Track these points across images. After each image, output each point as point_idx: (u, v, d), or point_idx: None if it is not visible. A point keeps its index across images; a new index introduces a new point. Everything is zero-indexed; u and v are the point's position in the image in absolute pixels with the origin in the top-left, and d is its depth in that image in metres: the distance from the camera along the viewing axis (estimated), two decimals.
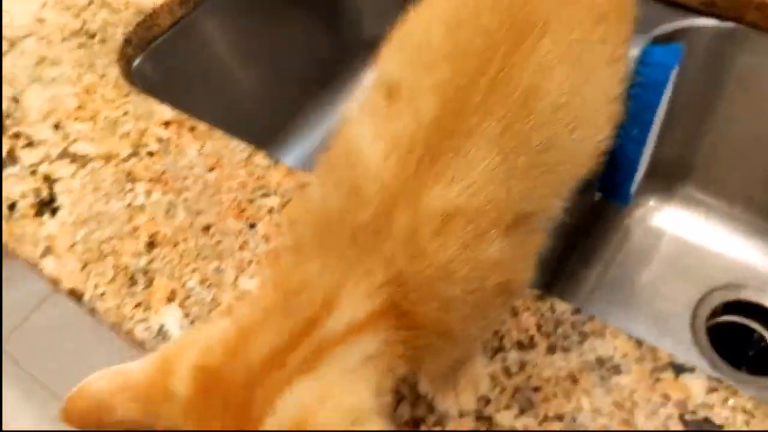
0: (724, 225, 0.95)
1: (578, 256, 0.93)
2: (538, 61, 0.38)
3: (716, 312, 0.90)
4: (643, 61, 0.66)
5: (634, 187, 0.77)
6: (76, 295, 0.54)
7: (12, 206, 0.59)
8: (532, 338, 0.52)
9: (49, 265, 0.56)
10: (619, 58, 0.45)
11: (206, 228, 0.58)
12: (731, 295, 0.91)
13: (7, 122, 0.67)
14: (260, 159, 0.63)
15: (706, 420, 0.48)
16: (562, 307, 0.53)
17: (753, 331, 0.88)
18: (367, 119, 0.40)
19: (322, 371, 0.34)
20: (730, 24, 0.76)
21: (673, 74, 0.68)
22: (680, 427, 0.48)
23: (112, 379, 0.38)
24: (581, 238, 0.93)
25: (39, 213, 0.59)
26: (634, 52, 0.66)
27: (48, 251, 0.56)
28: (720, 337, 0.87)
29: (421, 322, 0.37)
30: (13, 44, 0.76)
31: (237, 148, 0.64)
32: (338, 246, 0.37)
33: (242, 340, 0.36)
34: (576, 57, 0.41)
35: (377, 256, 0.36)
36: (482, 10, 0.39)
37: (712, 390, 0.49)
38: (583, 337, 0.52)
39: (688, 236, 0.95)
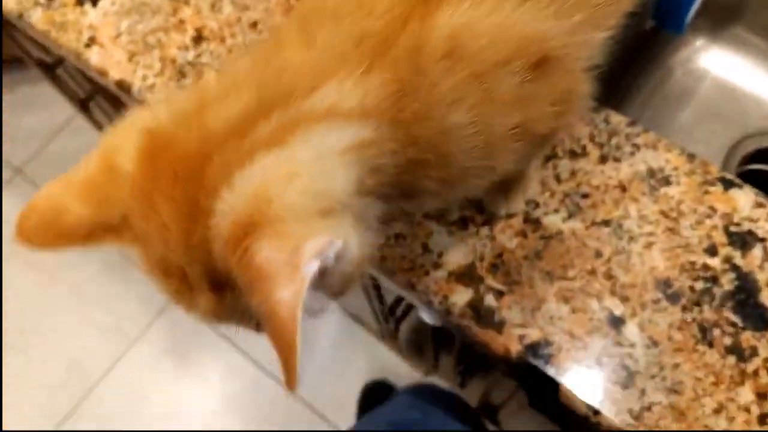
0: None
1: (614, 93, 0.92)
2: None
3: (748, 158, 0.90)
4: None
5: (690, 14, 0.74)
6: (124, 87, 0.54)
7: None
8: (584, 147, 0.52)
9: (94, 55, 0.54)
10: None
11: (254, 24, 0.56)
12: (766, 142, 0.90)
13: None
14: None
15: (750, 233, 0.49)
16: (617, 118, 0.52)
17: None
18: None
19: (293, 147, 0.29)
20: None
21: None
22: (724, 239, 0.49)
23: (58, 184, 0.34)
24: (620, 73, 0.91)
25: (79, 2, 0.56)
26: None
27: (92, 41, 0.55)
28: (750, 184, 0.88)
29: (418, 137, 0.33)
30: None
31: None
32: (341, 45, 0.32)
33: (201, 107, 0.31)
34: None
35: (379, 61, 0.32)
36: None
37: (758, 205, 0.50)
38: (636, 148, 0.51)
39: (730, 79, 0.92)
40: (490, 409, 1.05)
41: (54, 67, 0.86)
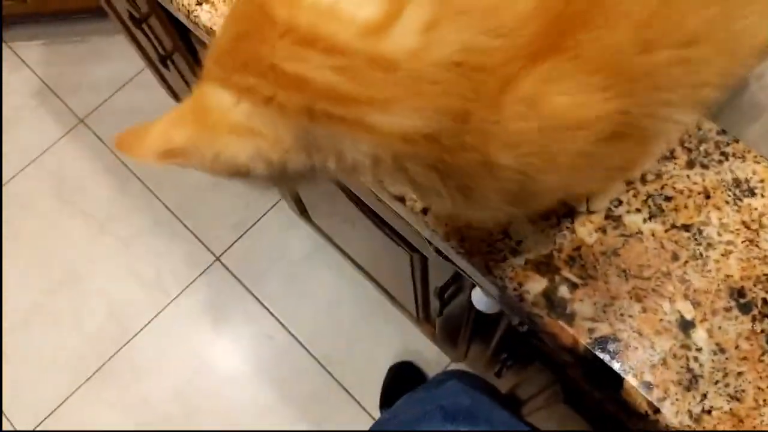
0: None
1: None
2: None
3: None
4: None
5: None
6: None
7: None
8: (673, 151, 0.52)
9: (204, 14, 0.56)
10: None
11: None
12: None
13: None
14: None
15: None
16: (709, 125, 0.53)
17: None
18: None
19: None
20: None
21: None
22: None
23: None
24: None
25: None
26: None
27: (204, 0, 0.57)
28: None
29: (452, 162, 0.34)
30: None
31: None
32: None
33: None
34: None
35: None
36: None
37: None
38: (724, 157, 0.52)
39: None
40: (516, 402, 1.06)
41: (141, 21, 0.88)
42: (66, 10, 1.79)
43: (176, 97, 1.59)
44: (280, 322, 1.54)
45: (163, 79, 1.49)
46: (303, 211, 1.46)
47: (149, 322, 1.57)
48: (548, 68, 0.32)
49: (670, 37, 0.32)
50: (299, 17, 0.32)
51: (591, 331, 0.49)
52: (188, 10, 0.57)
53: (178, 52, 0.96)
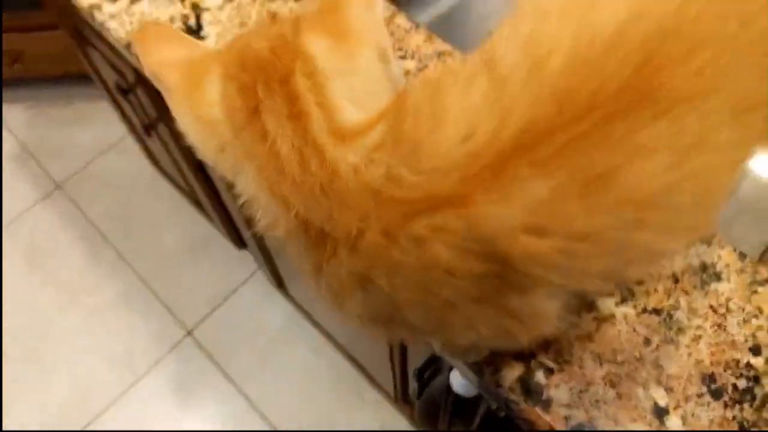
0: None
1: None
2: (637, 140, 0.32)
3: None
4: None
5: None
6: None
7: None
8: None
9: None
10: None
11: None
12: None
13: None
14: (401, 20, 0.64)
15: None
16: None
17: None
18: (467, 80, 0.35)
19: None
20: None
21: None
22: (767, 340, 0.50)
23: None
24: None
25: (189, 30, 0.61)
26: None
27: None
28: None
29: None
30: None
31: None
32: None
33: None
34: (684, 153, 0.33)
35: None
36: (609, 57, 0.32)
37: None
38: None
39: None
40: None
41: (128, 91, 0.90)
42: (53, 74, 1.81)
43: (157, 164, 1.60)
44: (252, 404, 1.50)
45: (145, 147, 1.50)
46: (280, 284, 1.45)
47: (114, 401, 1.51)
48: (443, 218, 0.34)
49: (560, 229, 0.33)
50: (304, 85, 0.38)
51: (567, 418, 0.49)
52: None
53: (162, 122, 0.98)
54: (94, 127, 1.84)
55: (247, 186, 0.40)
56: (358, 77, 0.40)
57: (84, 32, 0.98)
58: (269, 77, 0.38)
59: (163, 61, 0.44)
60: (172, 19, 0.61)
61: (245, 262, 1.62)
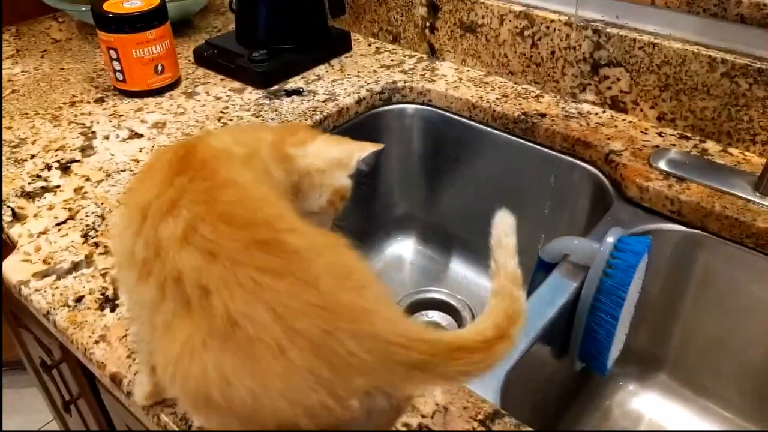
0: (700, 416, 0.99)
1: None
2: None
3: None
4: (617, 247, 0.79)
5: (611, 360, 0.85)
6: (116, 380, 0.62)
7: (79, 299, 0.69)
8: None
9: (99, 351, 0.64)
10: None
11: None
12: None
13: (90, 233, 0.80)
14: None
15: None
16: None
17: None
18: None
19: None
20: (695, 231, 0.89)
21: (644, 261, 0.80)
22: None
23: None
24: (562, 412, 0.99)
25: (101, 308, 0.68)
26: (611, 240, 0.79)
27: (101, 339, 0.65)
28: None
29: None
30: (109, 175, 0.92)
31: None
32: None
33: None
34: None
35: None
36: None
37: None
38: None
39: (664, 422, 1.00)
40: None
41: (52, 367, 0.94)
42: None
43: None
44: None
45: (66, 427, 1.46)
46: None
47: None
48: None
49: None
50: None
51: None
52: (86, 348, 0.64)
53: (84, 397, 1.00)
54: (19, 416, 1.80)
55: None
56: None
57: (19, 314, 1.06)
58: None
59: None
60: (91, 291, 0.71)
61: None
